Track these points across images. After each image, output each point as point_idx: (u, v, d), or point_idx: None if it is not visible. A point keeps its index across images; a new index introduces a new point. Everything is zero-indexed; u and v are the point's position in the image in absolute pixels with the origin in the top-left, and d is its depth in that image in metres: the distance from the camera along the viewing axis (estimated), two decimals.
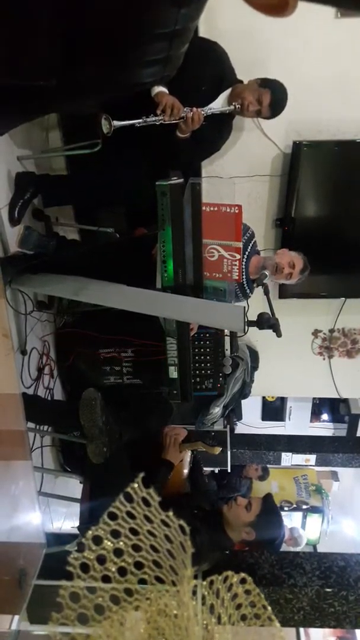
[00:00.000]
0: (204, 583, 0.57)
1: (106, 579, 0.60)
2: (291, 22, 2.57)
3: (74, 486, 2.96)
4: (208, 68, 2.34)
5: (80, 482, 2.57)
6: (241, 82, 2.41)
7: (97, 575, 0.60)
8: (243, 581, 0.59)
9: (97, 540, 0.60)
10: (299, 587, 2.12)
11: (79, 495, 2.53)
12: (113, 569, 0.60)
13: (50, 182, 2.71)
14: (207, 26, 2.58)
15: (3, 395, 1.32)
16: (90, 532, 0.60)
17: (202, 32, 2.57)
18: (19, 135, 2.63)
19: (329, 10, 2.58)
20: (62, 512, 3.28)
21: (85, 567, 0.60)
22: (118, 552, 0.61)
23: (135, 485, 0.60)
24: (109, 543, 0.60)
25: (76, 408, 2.21)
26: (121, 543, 0.60)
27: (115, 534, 0.60)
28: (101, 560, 0.60)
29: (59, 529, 3.22)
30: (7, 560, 1.17)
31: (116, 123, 2.06)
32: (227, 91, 2.39)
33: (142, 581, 0.61)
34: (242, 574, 0.60)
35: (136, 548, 0.61)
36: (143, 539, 0.61)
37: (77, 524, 2.39)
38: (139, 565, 0.61)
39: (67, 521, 3.30)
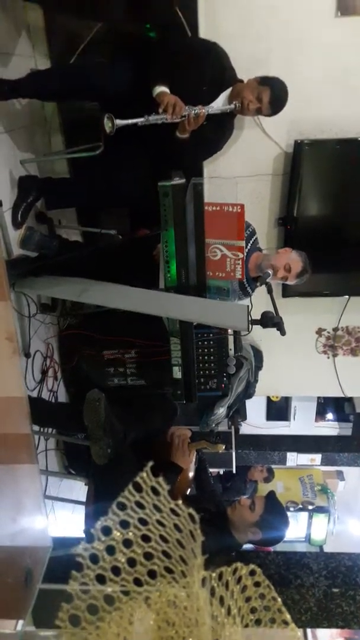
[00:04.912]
0: (214, 575, 0.57)
1: (115, 570, 0.60)
2: (291, 22, 2.59)
3: (79, 489, 2.96)
4: (208, 68, 2.34)
5: (85, 485, 2.56)
6: (242, 81, 2.41)
7: (106, 566, 0.59)
8: (252, 573, 0.59)
9: (106, 530, 0.60)
10: (306, 588, 2.11)
11: (83, 498, 2.53)
12: (122, 560, 0.60)
13: (52, 185, 2.72)
14: (208, 27, 2.58)
15: (9, 399, 1.32)
16: (99, 522, 0.59)
17: (203, 34, 2.58)
18: (21, 139, 2.64)
19: (328, 9, 2.58)
20: (67, 515, 3.27)
21: (94, 558, 0.60)
22: (127, 543, 0.61)
23: (144, 474, 0.61)
24: (117, 534, 0.60)
25: (80, 409, 2.21)
26: (130, 533, 0.60)
27: (124, 525, 0.60)
28: (110, 551, 0.60)
29: (63, 532, 3.22)
30: (13, 562, 1.17)
31: (119, 122, 2.06)
32: (228, 90, 2.39)
33: (151, 572, 0.60)
34: (252, 566, 0.59)
35: (145, 538, 0.61)
36: (152, 529, 0.61)
37: (82, 527, 2.39)
38: (148, 556, 0.61)
39: (72, 524, 3.30)
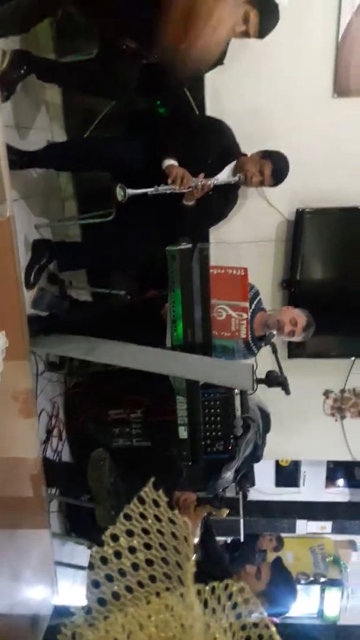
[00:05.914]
0: (207, 588, 0.63)
1: (121, 572, 0.70)
2: (292, 101, 2.78)
3: (81, 553, 2.87)
4: (214, 143, 2.50)
5: (88, 548, 2.49)
6: (245, 155, 2.56)
7: (114, 567, 0.70)
8: (242, 590, 0.63)
9: (114, 537, 0.71)
10: None
11: (85, 563, 2.45)
12: (128, 564, 0.70)
13: (65, 248, 2.84)
14: (214, 105, 2.78)
15: (24, 460, 1.31)
16: (109, 530, 0.70)
17: (209, 111, 2.77)
18: (37, 205, 2.79)
19: (326, 91, 2.78)
20: (68, 583, 3.15)
21: (104, 561, 0.70)
22: (132, 550, 0.70)
23: (147, 488, 0.71)
24: (124, 540, 0.70)
25: (85, 469, 2.19)
26: (135, 542, 0.70)
27: (130, 533, 0.70)
28: (117, 555, 0.70)
29: (63, 601, 3.07)
30: (18, 627, 1.14)
31: (130, 191, 2.18)
32: (232, 163, 2.53)
33: (151, 577, 0.70)
34: (242, 583, 0.64)
35: (147, 546, 0.70)
36: (153, 538, 0.70)
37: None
38: (149, 563, 0.70)
39: (72, 594, 3.16)
